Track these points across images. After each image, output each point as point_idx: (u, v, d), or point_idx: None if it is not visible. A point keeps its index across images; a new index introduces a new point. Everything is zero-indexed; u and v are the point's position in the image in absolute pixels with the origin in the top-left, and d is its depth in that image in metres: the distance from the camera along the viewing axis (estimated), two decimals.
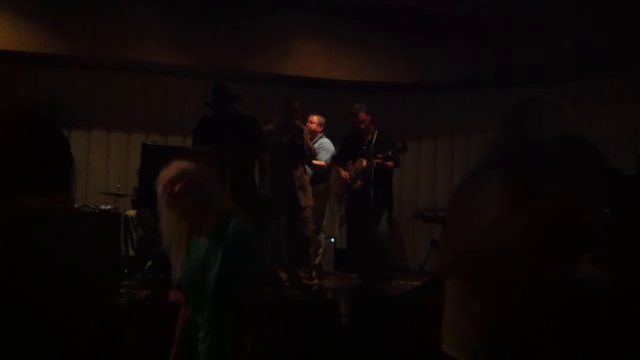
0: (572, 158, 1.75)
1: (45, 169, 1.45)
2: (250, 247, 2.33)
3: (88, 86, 7.52)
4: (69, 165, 1.51)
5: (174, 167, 2.31)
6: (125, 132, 7.71)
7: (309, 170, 6.04)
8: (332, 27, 7.29)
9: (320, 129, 6.53)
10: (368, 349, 3.79)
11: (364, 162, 6.27)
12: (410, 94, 7.94)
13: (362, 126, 6.32)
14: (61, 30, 6.74)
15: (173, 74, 7.52)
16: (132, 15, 6.83)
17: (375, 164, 6.18)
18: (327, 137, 6.58)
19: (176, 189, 2.26)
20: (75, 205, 3.98)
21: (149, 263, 5.52)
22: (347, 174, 6.36)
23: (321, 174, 6.45)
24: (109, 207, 6.27)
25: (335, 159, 6.52)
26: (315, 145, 6.25)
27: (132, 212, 6.23)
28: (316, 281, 5.89)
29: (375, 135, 6.37)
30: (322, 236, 6.81)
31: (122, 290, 5.00)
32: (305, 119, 6.28)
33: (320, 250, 6.76)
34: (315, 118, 6.52)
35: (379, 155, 6.15)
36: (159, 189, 2.30)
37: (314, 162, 6.22)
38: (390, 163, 6.25)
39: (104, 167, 7.54)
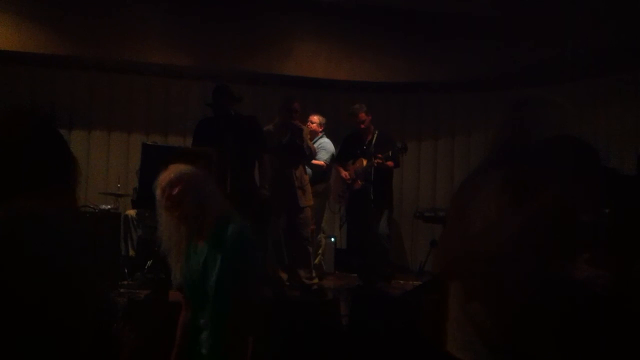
0: (570, 158, 1.75)
1: (44, 170, 1.45)
2: (249, 249, 2.33)
3: (88, 86, 7.52)
4: (69, 166, 1.51)
5: (172, 171, 2.31)
6: (126, 132, 7.70)
7: (308, 170, 6.04)
8: (332, 28, 7.28)
9: (320, 129, 6.52)
10: (368, 349, 3.79)
11: (364, 162, 6.27)
12: (411, 94, 7.94)
13: (362, 126, 6.33)
14: (61, 31, 6.73)
15: (173, 74, 7.51)
16: (132, 16, 6.83)
17: (375, 164, 6.18)
18: (327, 137, 6.58)
19: (174, 192, 2.26)
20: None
21: (149, 263, 5.53)
22: (347, 174, 6.36)
23: (321, 174, 6.44)
24: (109, 207, 6.26)
25: (335, 159, 6.52)
26: (315, 145, 6.24)
27: (132, 212, 6.24)
28: (316, 281, 5.89)
29: (376, 135, 6.37)
30: (322, 236, 6.82)
31: (122, 290, 5.02)
32: (305, 119, 6.28)
33: (320, 250, 6.76)
34: (315, 118, 6.52)
35: (379, 156, 6.15)
36: (158, 192, 2.31)
37: (314, 162, 6.22)
38: (390, 163, 6.26)
39: (104, 167, 7.53)
